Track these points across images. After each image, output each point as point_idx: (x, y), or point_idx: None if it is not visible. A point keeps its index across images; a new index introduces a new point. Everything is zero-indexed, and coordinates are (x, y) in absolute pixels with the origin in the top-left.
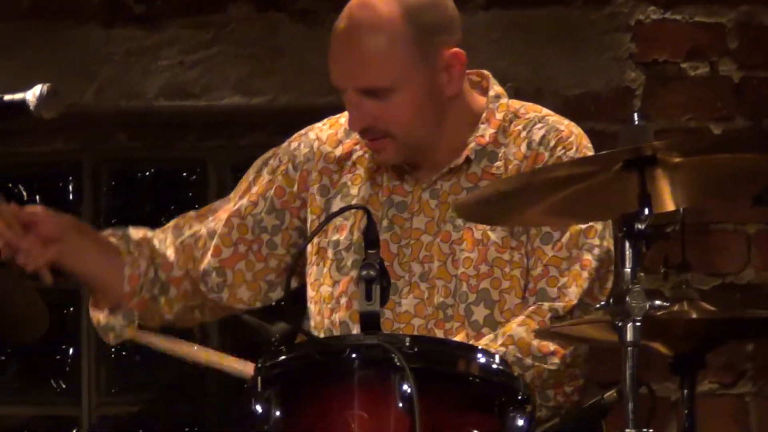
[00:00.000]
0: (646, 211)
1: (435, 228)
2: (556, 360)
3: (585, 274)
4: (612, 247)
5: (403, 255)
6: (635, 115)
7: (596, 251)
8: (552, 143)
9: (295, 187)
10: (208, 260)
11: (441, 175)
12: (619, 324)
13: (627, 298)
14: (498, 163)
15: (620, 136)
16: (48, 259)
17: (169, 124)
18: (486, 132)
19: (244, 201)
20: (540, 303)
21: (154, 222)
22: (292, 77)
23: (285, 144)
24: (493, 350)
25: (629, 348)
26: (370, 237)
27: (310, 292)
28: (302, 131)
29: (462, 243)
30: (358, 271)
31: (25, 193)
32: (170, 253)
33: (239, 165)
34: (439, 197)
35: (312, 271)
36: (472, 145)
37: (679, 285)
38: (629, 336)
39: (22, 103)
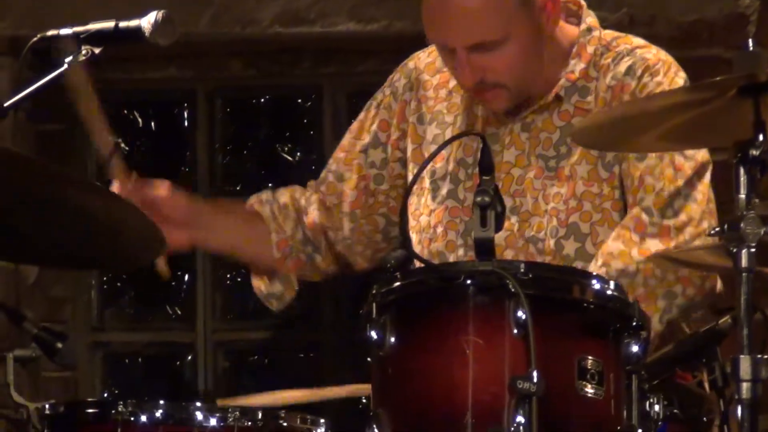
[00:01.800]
0: (761, 138)
1: (525, 161)
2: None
3: (679, 177)
4: (709, 159)
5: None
6: (749, 41)
7: (688, 153)
8: (639, 72)
9: (395, 119)
10: (326, 211)
11: (533, 110)
12: (734, 250)
13: (741, 224)
14: (589, 98)
15: (734, 62)
16: (178, 245)
17: (284, 51)
18: (576, 67)
19: (355, 139)
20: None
21: (269, 150)
22: (407, 4)
23: (390, 76)
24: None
25: (744, 274)
26: (485, 163)
27: (411, 222)
28: (405, 61)
29: (553, 179)
30: (473, 197)
31: (140, 120)
32: (313, 210)
33: (354, 92)
34: (530, 131)
35: (412, 201)
36: (562, 81)
37: None
38: (744, 262)
39: (138, 30)
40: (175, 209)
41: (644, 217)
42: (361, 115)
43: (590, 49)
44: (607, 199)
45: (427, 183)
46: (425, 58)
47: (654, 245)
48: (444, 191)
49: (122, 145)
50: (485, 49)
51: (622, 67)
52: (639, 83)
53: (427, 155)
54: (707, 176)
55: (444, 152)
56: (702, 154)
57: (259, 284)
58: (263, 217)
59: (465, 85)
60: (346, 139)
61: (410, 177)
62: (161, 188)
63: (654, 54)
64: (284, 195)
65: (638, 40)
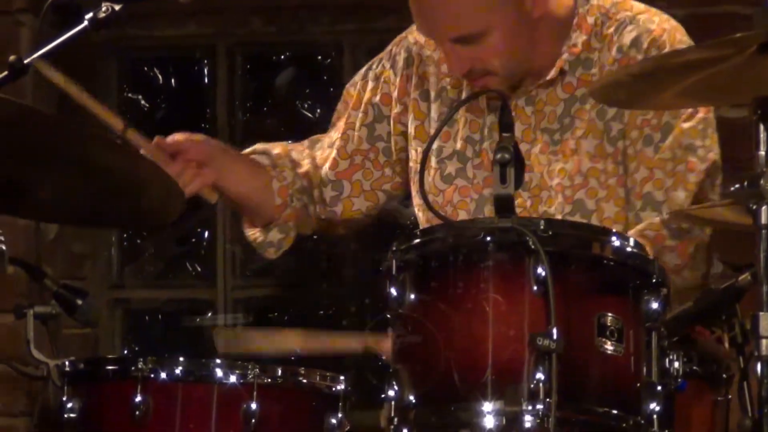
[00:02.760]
0: None
1: (531, 136)
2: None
3: (692, 177)
4: (717, 150)
5: None
6: None
7: (701, 152)
8: (645, 45)
9: (396, 92)
10: (325, 172)
11: (537, 85)
12: (753, 207)
13: (761, 181)
14: (594, 70)
15: (755, 19)
16: (207, 180)
17: (304, 7)
18: (578, 40)
19: (356, 111)
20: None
21: (289, 105)
22: None
23: (387, 47)
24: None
25: (763, 231)
26: (505, 120)
27: (416, 200)
28: (402, 34)
29: (557, 153)
30: (493, 155)
31: (160, 77)
32: (306, 164)
33: (374, 48)
34: (535, 105)
35: (416, 179)
36: (565, 56)
37: None
38: (763, 218)
39: None
40: (195, 148)
41: (664, 231)
42: (358, 86)
43: (590, 20)
44: (612, 175)
45: (433, 162)
46: None
47: (671, 259)
48: (452, 171)
49: (142, 102)
50: (469, 40)
51: (627, 38)
52: (645, 56)
53: (431, 132)
54: (718, 179)
55: (449, 131)
56: (714, 153)
57: (254, 233)
58: (263, 165)
59: (456, 74)
60: (353, 115)
61: (412, 154)
62: (177, 135)
63: (657, 23)
64: (276, 147)
65: (638, 5)
